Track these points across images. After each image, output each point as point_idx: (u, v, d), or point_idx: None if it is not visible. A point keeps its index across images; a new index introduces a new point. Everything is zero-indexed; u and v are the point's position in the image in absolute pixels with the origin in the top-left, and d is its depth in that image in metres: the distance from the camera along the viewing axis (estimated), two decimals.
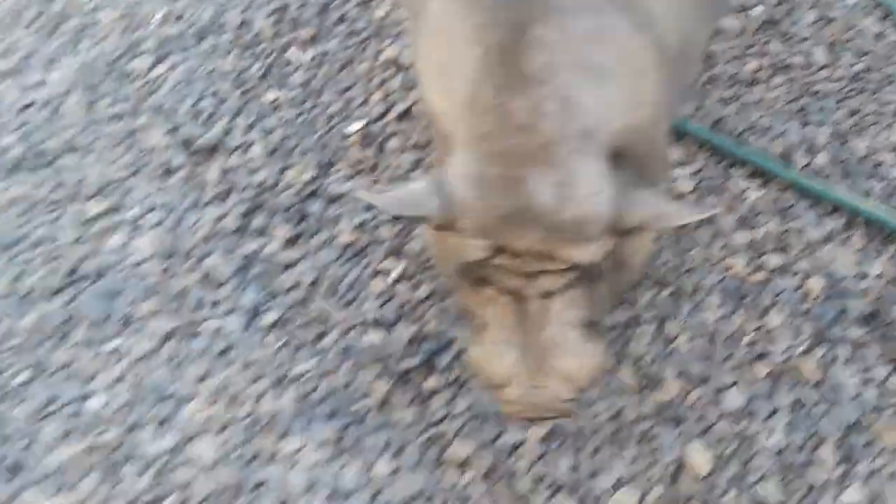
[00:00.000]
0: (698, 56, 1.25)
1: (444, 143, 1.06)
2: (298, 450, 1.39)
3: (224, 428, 1.41)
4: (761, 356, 1.42)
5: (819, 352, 1.42)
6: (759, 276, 1.50)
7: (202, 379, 1.47)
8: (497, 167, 0.96)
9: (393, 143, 1.73)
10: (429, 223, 1.01)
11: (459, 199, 0.98)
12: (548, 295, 1.02)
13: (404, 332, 1.50)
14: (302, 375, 1.46)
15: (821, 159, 1.63)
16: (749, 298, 1.48)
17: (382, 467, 1.36)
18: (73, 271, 1.60)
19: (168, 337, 1.52)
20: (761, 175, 1.62)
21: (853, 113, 1.69)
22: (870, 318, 1.45)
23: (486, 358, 1.07)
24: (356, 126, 1.76)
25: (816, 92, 1.73)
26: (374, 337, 1.50)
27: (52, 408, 1.45)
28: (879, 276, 1.49)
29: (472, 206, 0.98)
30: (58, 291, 1.58)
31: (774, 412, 1.37)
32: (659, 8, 1.04)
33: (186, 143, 1.77)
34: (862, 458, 1.32)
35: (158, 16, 2.00)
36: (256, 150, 1.75)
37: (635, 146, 1.03)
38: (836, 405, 1.37)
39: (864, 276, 1.49)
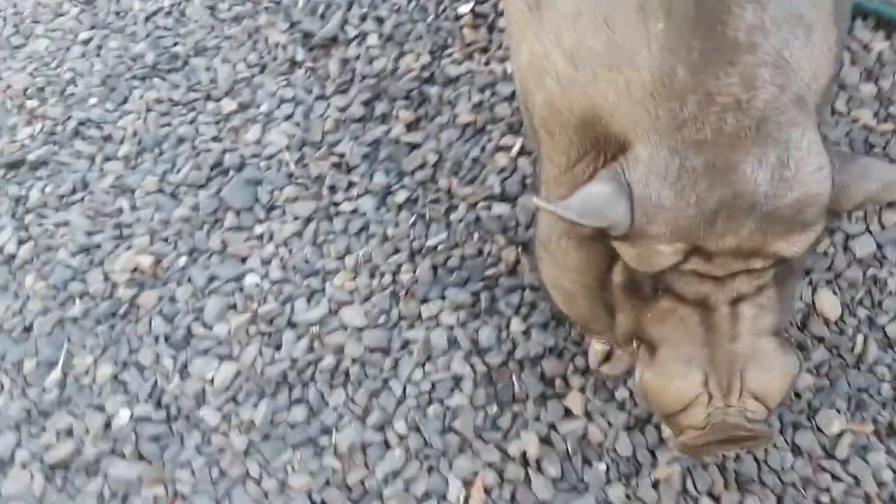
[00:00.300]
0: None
1: (600, 144, 0.93)
2: (437, 313, 1.49)
3: (369, 297, 1.53)
4: (891, 204, 1.42)
5: None
6: (887, 125, 1.49)
7: (344, 255, 1.58)
8: (701, 155, 0.82)
9: (503, 23, 1.76)
10: (614, 232, 0.87)
11: (653, 200, 0.85)
12: (738, 300, 0.90)
13: (528, 203, 1.56)
14: (435, 247, 1.56)
15: None
16: (877, 149, 1.47)
17: (515, 326, 1.46)
18: (216, 165, 1.73)
19: (309, 220, 1.63)
20: (886, 26, 1.58)
21: None
22: None
23: (665, 379, 0.95)
24: (466, 7, 1.80)
25: None
26: (499, 209, 1.57)
27: (213, 286, 1.59)
28: None
29: (670, 206, 0.84)
30: (205, 184, 1.71)
31: None
32: None
33: (306, 39, 1.85)
34: None
35: None
36: (372, 40, 1.81)
37: (821, 108, 0.89)
38: None
39: None
